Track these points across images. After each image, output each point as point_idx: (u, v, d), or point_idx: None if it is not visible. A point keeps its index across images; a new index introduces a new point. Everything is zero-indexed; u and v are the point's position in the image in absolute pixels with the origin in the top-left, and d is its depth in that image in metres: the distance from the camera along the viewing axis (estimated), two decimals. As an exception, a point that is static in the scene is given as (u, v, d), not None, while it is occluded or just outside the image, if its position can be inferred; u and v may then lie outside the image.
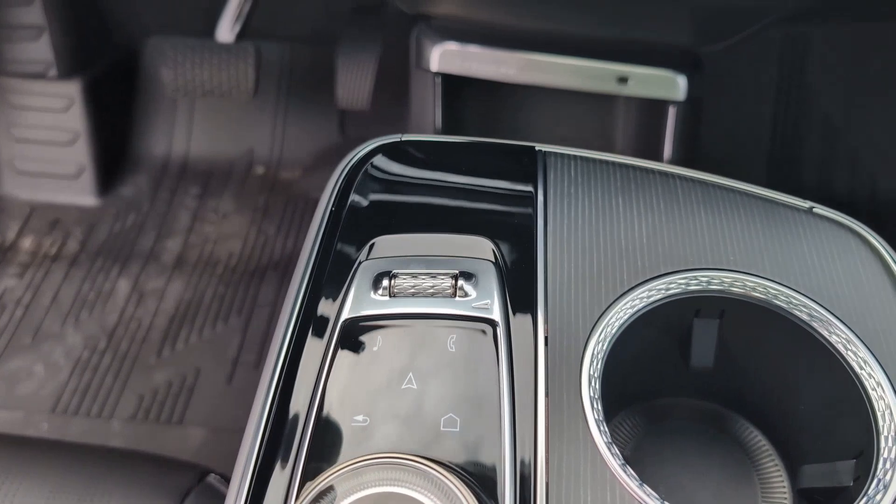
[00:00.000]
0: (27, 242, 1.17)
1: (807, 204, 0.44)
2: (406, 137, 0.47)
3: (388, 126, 1.21)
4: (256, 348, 1.05)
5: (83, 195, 1.21)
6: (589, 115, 0.96)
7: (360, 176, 0.44)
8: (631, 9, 0.68)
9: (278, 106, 1.25)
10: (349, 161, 0.45)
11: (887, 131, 1.14)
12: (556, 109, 0.96)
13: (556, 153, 0.45)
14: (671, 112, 0.85)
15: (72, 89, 1.18)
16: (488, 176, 0.45)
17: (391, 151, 0.46)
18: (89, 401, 0.98)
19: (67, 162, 1.20)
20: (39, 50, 1.17)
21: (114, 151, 1.24)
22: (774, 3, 0.70)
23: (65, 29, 1.17)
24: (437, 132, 0.92)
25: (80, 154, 1.20)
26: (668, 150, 0.84)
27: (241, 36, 1.09)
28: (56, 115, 1.19)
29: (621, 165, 0.44)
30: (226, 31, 1.08)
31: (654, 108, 0.87)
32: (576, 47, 0.82)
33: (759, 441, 0.40)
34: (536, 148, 0.45)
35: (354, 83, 1.13)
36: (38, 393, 0.99)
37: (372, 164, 0.45)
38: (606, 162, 0.45)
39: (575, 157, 0.45)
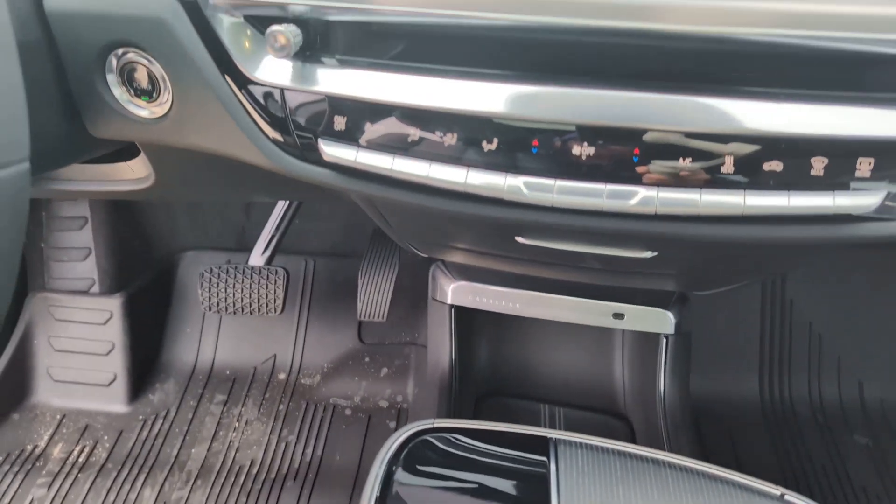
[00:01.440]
0: (57, 450, 1.23)
1: (778, 491, 0.51)
2: (437, 424, 0.55)
3: (403, 334, 1.30)
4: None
5: (114, 402, 1.28)
6: (589, 344, 1.05)
7: (398, 469, 0.51)
8: (622, 277, 0.78)
9: (301, 315, 1.35)
10: (388, 451, 0.53)
11: (870, 337, 1.22)
12: (558, 338, 1.05)
13: (565, 441, 0.53)
14: (663, 343, 0.94)
15: (112, 304, 1.29)
16: (507, 466, 0.52)
17: (425, 441, 0.54)
18: None
19: (102, 371, 1.28)
20: (85, 269, 1.29)
21: (145, 360, 1.33)
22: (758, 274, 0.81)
23: (110, 250, 1.30)
24: (451, 360, 1.00)
25: (114, 364, 1.28)
26: (661, 382, 0.92)
27: (270, 260, 1.21)
28: (95, 327, 1.29)
29: (621, 454, 0.52)
30: (258, 256, 1.20)
31: (648, 339, 0.97)
32: (575, 288, 0.92)
33: None
34: (548, 437, 0.53)
35: (374, 298, 1.23)
36: None
37: (409, 452, 0.53)
38: (608, 450, 0.52)
39: (581, 444, 0.53)
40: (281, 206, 1.23)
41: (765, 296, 1.21)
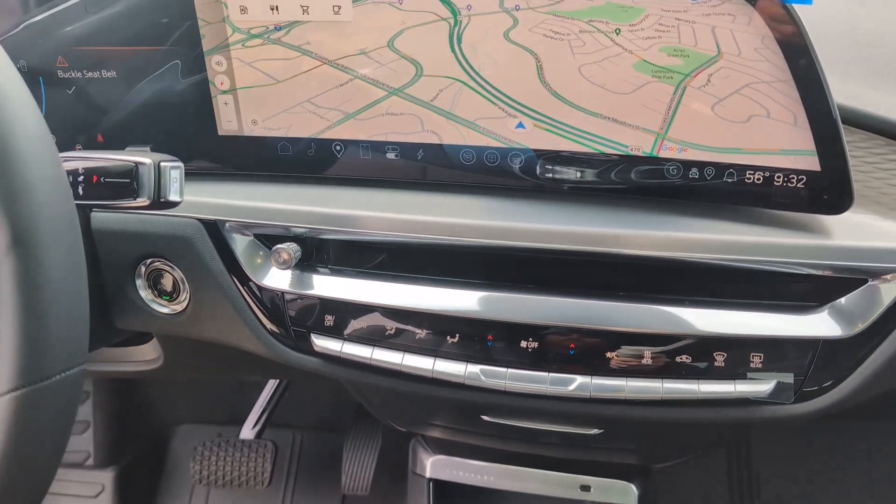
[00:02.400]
0: None
1: None
2: None
3: (386, 506, 1.33)
4: None
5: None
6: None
7: None
8: (584, 451, 0.86)
9: (287, 488, 1.38)
10: None
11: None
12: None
13: None
14: (631, 514, 0.99)
15: (104, 477, 1.33)
16: None
17: None
18: None
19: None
20: (82, 442, 1.34)
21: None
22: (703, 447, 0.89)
23: (107, 424, 1.36)
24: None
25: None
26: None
27: (260, 434, 1.27)
28: (87, 500, 1.32)
29: None
30: (248, 430, 1.27)
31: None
32: (548, 461, 0.99)
33: None
34: None
35: (358, 472, 1.29)
36: None
37: None
38: None
39: None
40: (272, 382, 1.31)
41: (731, 467, 1.27)
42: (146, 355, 0.89)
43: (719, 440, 0.84)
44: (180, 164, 0.52)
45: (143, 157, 0.51)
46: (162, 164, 0.51)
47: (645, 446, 0.84)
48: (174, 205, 0.52)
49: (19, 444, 0.42)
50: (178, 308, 0.69)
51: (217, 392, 1.45)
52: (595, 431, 0.71)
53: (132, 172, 0.50)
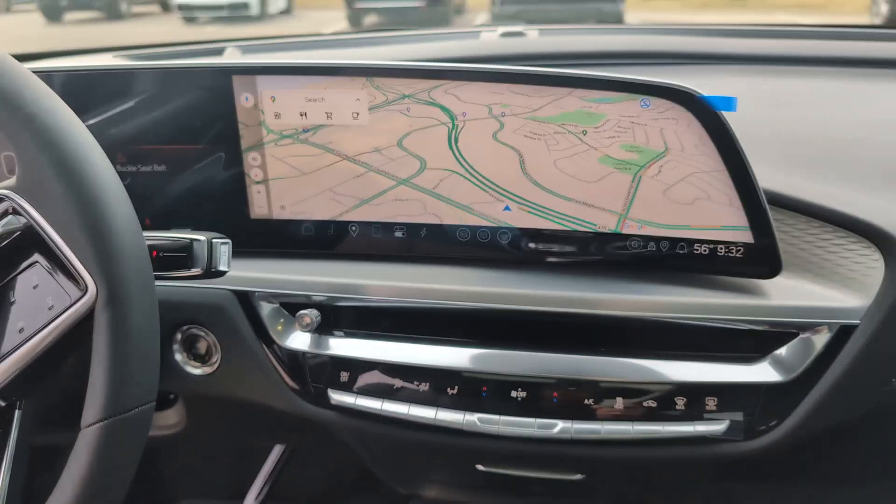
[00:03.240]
0: None
1: None
2: None
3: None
4: None
5: None
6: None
7: None
8: (573, 496, 0.94)
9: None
10: None
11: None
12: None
13: None
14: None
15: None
16: None
17: None
18: None
19: None
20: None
21: None
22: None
23: None
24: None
25: None
26: None
27: (263, 506, 1.33)
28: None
29: None
30: (251, 501, 1.32)
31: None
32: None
33: None
34: None
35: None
36: None
37: None
38: None
39: None
40: (274, 455, 1.38)
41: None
42: (168, 420, 0.97)
43: (690, 486, 0.92)
44: (228, 240, 0.63)
45: (197, 235, 0.62)
46: (213, 240, 0.62)
47: (624, 495, 0.92)
48: (222, 274, 0.62)
49: (101, 469, 0.51)
50: (210, 370, 0.78)
51: (221, 466, 1.50)
52: (578, 477, 0.80)
53: (189, 248, 0.61)
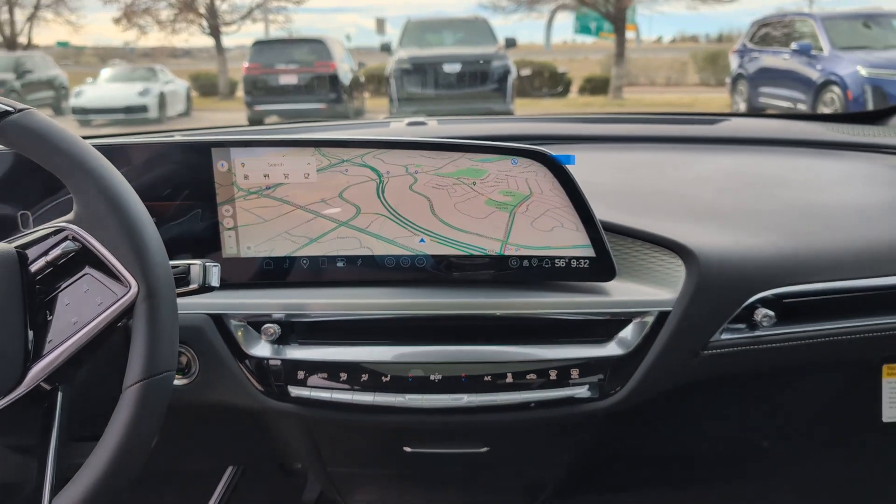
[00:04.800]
0: None
1: None
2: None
3: None
4: None
5: None
6: None
7: None
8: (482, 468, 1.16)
9: None
10: None
11: None
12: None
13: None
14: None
15: None
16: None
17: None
18: None
19: None
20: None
21: None
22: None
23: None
24: None
25: None
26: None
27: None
28: None
29: None
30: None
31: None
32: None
33: None
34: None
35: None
36: None
37: None
38: None
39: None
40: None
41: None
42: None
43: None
44: (217, 264, 0.84)
45: (193, 260, 0.83)
46: (206, 264, 0.83)
47: (525, 466, 1.15)
48: (214, 289, 0.84)
49: (139, 418, 0.70)
50: (188, 381, 0.97)
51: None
52: (484, 449, 1.03)
53: (187, 269, 0.82)
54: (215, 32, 16.85)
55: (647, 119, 1.65)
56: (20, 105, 0.72)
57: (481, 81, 9.69)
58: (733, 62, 10.96)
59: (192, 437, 1.13)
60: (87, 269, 0.74)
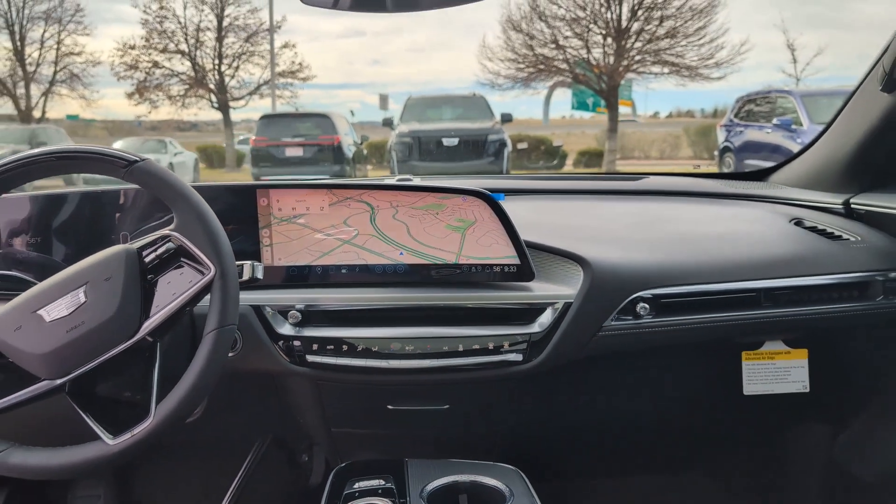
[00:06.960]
0: None
1: None
2: None
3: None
4: None
5: None
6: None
7: None
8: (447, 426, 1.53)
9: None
10: None
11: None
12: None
13: None
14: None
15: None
16: None
17: None
18: None
19: None
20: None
21: None
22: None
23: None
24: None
25: None
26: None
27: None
28: None
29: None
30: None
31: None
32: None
33: None
34: None
35: None
36: None
37: None
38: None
39: None
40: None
41: None
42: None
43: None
44: (262, 264, 1.25)
45: (245, 261, 1.24)
46: (254, 263, 1.24)
47: (478, 419, 1.53)
48: (259, 280, 1.24)
49: (213, 356, 1.09)
50: (234, 353, 1.37)
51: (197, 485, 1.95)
52: (445, 406, 1.42)
53: (242, 266, 1.23)
54: (224, 107, 17.62)
55: (585, 177, 2.11)
56: (143, 155, 1.15)
57: (478, 154, 10.28)
58: (720, 136, 11.61)
59: (231, 405, 1.52)
60: (182, 260, 1.16)
